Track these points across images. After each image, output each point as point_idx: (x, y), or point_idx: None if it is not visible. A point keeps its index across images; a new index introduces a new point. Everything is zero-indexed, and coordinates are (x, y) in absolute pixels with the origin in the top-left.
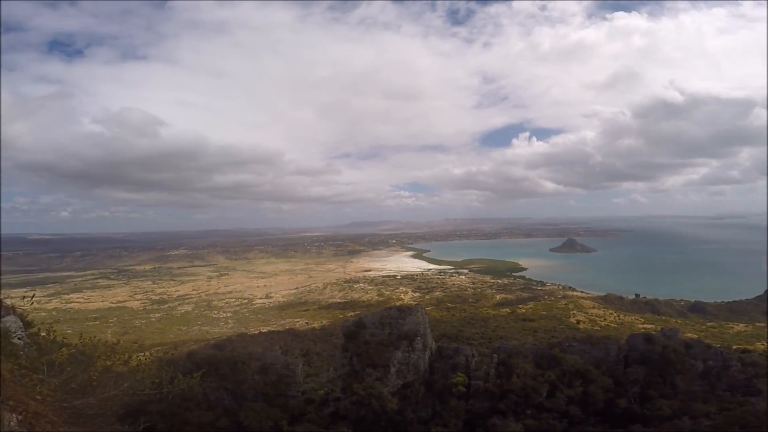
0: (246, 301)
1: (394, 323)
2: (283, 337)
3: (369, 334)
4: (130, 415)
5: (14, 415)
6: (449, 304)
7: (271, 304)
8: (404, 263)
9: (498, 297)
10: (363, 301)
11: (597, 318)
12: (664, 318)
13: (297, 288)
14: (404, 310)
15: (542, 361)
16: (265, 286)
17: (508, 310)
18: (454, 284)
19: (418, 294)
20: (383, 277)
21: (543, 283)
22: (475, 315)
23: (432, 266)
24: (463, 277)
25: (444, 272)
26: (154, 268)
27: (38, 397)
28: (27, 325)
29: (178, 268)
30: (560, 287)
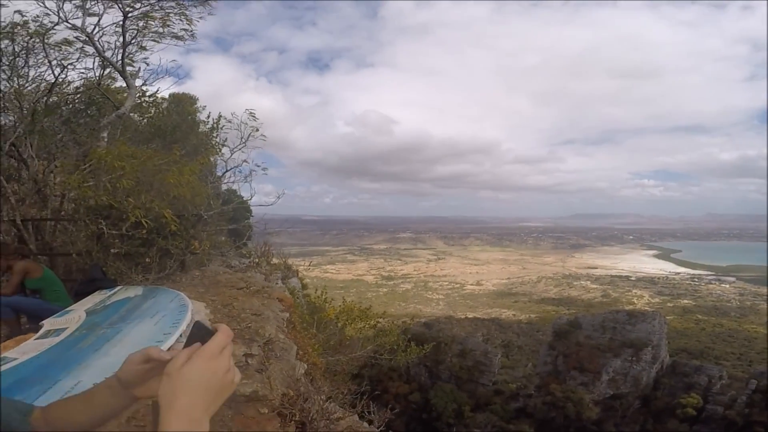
0: (458, 285)
1: (620, 328)
2: (487, 326)
3: (584, 336)
4: (356, 376)
5: (302, 363)
6: (700, 316)
7: (480, 292)
8: (643, 263)
9: None
10: (582, 300)
11: None
12: None
13: (509, 278)
14: (636, 316)
15: None
16: (477, 273)
17: None
18: (711, 293)
19: (657, 300)
20: (612, 276)
21: None
22: (736, 332)
23: (681, 269)
24: (727, 285)
25: (698, 278)
26: (387, 248)
27: (310, 350)
28: (303, 287)
29: (405, 249)
30: None
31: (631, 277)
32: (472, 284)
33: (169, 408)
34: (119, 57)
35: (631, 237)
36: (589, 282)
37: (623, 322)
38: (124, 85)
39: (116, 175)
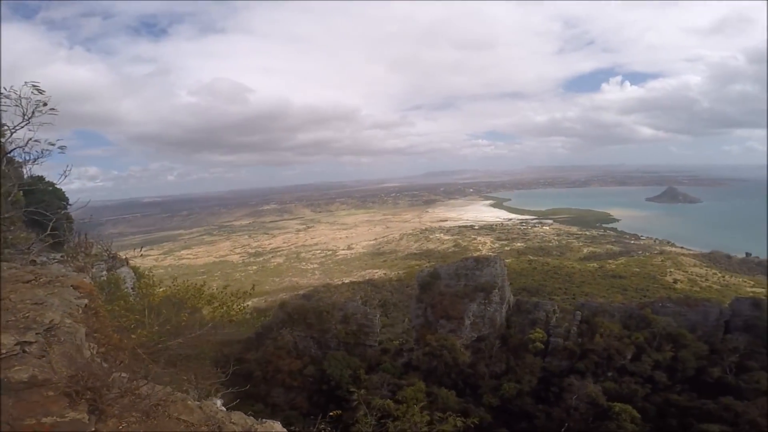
0: (330, 252)
1: (470, 275)
2: (363, 288)
3: (444, 285)
4: (226, 360)
5: (94, 345)
6: (531, 257)
7: (352, 256)
8: (482, 212)
9: (585, 250)
10: (439, 252)
11: (698, 278)
12: None
13: (375, 239)
14: (481, 261)
15: (630, 322)
16: (346, 237)
17: (595, 264)
18: (536, 235)
19: (497, 245)
20: (460, 227)
21: (637, 237)
22: (559, 269)
23: (513, 216)
24: (547, 227)
25: (526, 222)
26: (250, 222)
27: (133, 336)
28: (140, 276)
29: (270, 222)
30: (657, 242)
31: (474, 226)
32: (343, 249)
33: None
34: None
35: (471, 190)
36: (442, 234)
37: (472, 268)
38: None
39: None
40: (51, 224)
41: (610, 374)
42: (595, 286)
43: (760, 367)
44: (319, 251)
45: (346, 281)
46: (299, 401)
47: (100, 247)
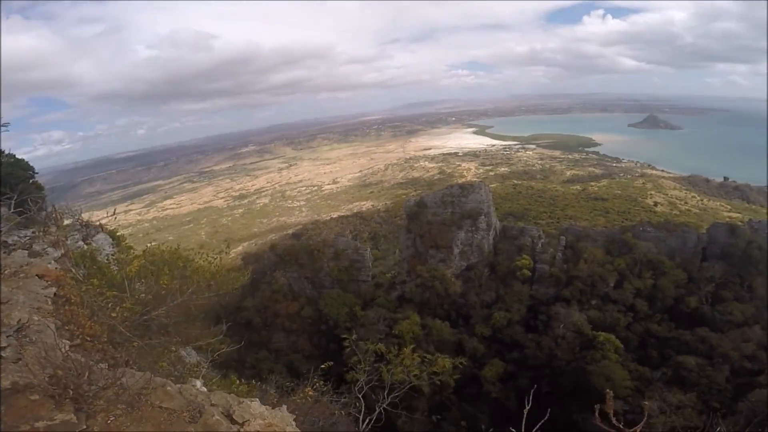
0: (315, 188)
1: (456, 202)
2: (352, 222)
3: (431, 214)
4: (224, 311)
5: (67, 340)
6: (515, 181)
7: (338, 189)
8: (466, 140)
9: (568, 173)
10: (424, 180)
11: (677, 201)
12: (754, 207)
13: (360, 171)
14: (466, 188)
15: (612, 247)
16: (331, 171)
17: (578, 187)
18: (520, 160)
19: (481, 170)
20: (444, 154)
21: (619, 160)
22: (543, 192)
23: (496, 142)
24: (530, 152)
25: (509, 148)
26: (230, 166)
27: (113, 315)
28: (119, 240)
29: (251, 163)
30: (638, 164)
31: (458, 153)
32: (329, 184)
33: None
34: None
35: (453, 119)
36: (426, 162)
37: (458, 195)
38: None
39: None
40: (14, 200)
41: (594, 302)
42: (578, 209)
43: (733, 298)
44: (304, 188)
45: (335, 216)
46: (301, 344)
47: (71, 216)
